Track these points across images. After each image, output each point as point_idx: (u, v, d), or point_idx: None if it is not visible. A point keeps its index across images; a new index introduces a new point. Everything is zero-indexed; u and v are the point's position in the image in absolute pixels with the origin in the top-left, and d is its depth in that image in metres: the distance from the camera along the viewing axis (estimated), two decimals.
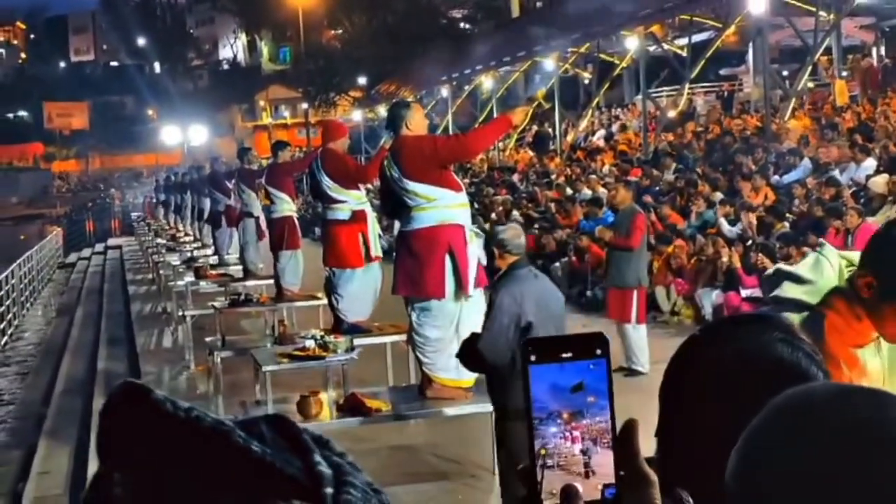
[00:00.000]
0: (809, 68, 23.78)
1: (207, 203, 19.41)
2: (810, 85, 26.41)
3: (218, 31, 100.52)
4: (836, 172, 15.96)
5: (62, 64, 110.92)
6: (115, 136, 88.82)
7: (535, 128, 34.17)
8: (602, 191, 18.81)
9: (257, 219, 15.20)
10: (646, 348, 11.10)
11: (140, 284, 22.91)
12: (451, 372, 7.49)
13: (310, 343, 8.85)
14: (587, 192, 19.68)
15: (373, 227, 10.38)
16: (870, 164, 15.77)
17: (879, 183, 14.35)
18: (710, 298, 13.55)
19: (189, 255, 19.69)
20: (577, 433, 0.98)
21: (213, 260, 18.40)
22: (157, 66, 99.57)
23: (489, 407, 6.38)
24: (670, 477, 1.16)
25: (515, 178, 26.45)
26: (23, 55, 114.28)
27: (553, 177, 24.19)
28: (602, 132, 31.54)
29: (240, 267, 16.04)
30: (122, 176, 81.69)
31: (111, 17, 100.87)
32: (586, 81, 35.63)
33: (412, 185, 7.69)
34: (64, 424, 12.04)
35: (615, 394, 0.99)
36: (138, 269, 26.23)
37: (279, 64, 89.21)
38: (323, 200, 10.57)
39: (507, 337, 5.92)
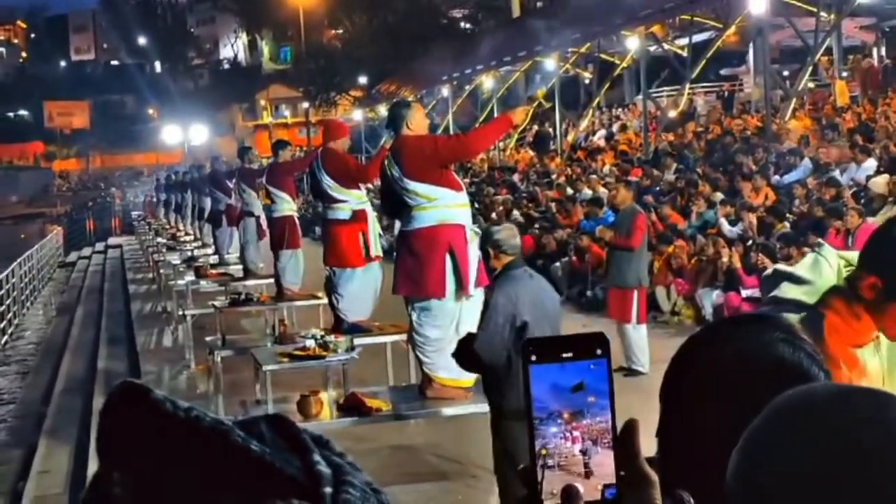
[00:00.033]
0: (810, 68, 23.79)
1: (208, 202, 19.41)
2: (811, 85, 26.42)
3: (219, 31, 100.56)
4: (836, 173, 15.97)
5: (63, 63, 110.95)
6: (115, 135, 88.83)
7: (535, 128, 34.17)
8: (602, 191, 18.81)
9: (258, 218, 15.20)
10: (646, 348, 11.10)
11: (140, 283, 22.92)
12: (452, 372, 7.48)
13: (310, 342, 8.85)
14: (588, 192, 19.68)
15: (373, 226, 10.37)
16: (870, 164, 15.77)
17: (880, 183, 14.35)
18: (710, 298, 13.55)
19: (189, 254, 19.70)
20: (577, 433, 0.97)
21: (214, 259, 18.41)
22: (157, 66, 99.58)
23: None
24: (671, 477, 1.16)
25: (516, 177, 26.45)
26: (23, 54, 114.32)
27: (553, 177, 24.20)
28: (602, 132, 31.55)
29: (240, 266, 16.04)
30: (122, 175, 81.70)
31: (112, 16, 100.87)
32: (587, 81, 35.64)
33: (413, 185, 7.69)
34: (64, 423, 12.04)
35: (615, 394, 0.99)
36: (139, 268, 26.24)
37: (280, 63, 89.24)
38: (323, 200, 10.56)
39: (503, 337, 5.92)
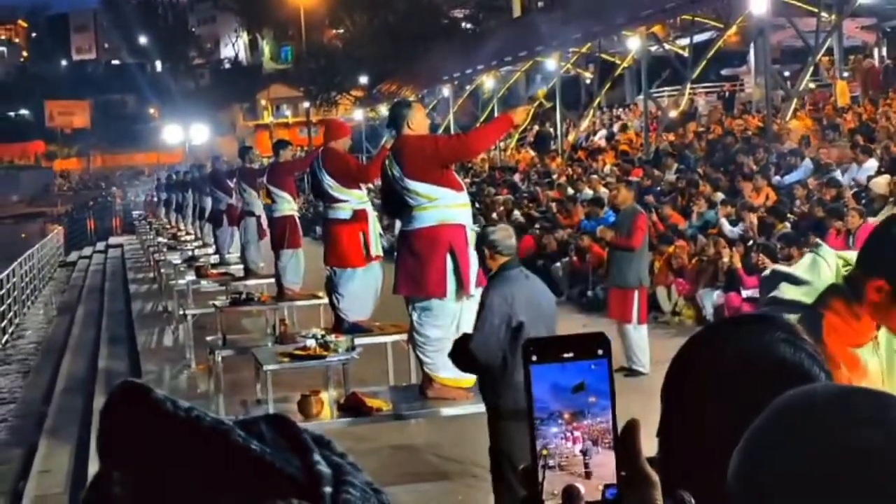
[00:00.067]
0: (811, 69, 23.80)
1: (209, 202, 19.42)
2: (812, 85, 26.42)
3: (219, 30, 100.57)
4: (837, 173, 15.98)
5: (64, 62, 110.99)
6: (116, 134, 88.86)
7: (536, 127, 34.19)
8: (603, 191, 18.81)
9: (258, 218, 15.20)
10: (647, 348, 11.09)
11: (141, 283, 22.92)
12: (452, 371, 7.48)
13: (311, 342, 8.85)
14: (588, 192, 19.69)
15: (374, 226, 10.37)
16: (871, 164, 15.78)
17: (881, 184, 14.35)
18: (711, 299, 13.56)
19: (190, 253, 19.70)
20: (578, 433, 0.97)
21: (215, 259, 18.42)
22: (158, 65, 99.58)
23: None
24: (672, 477, 1.16)
25: (517, 177, 26.46)
26: (24, 53, 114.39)
27: (554, 176, 24.20)
28: (603, 132, 31.54)
29: (241, 266, 16.04)
30: (123, 174, 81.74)
31: (113, 16, 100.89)
32: (588, 81, 35.63)
33: (413, 185, 7.69)
34: (65, 423, 12.04)
35: (616, 394, 0.99)
36: (139, 267, 26.24)
37: (281, 63, 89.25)
38: (324, 199, 10.56)
39: (499, 337, 5.93)
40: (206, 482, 0.79)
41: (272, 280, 13.74)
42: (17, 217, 68.58)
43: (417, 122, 7.95)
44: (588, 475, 0.97)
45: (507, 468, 5.93)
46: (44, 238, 35.70)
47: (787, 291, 2.69)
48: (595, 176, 21.45)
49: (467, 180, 23.82)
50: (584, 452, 0.97)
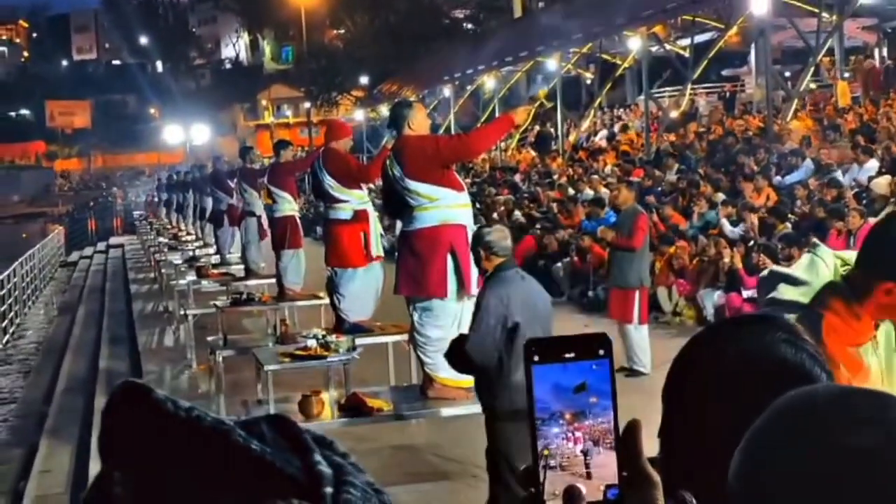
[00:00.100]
0: (812, 69, 23.80)
1: (209, 202, 19.42)
2: (812, 86, 26.42)
3: (220, 31, 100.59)
4: (838, 173, 15.97)
5: (64, 62, 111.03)
6: (117, 134, 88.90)
7: (537, 128, 34.18)
8: (604, 191, 18.81)
9: (259, 218, 15.20)
10: (647, 349, 11.09)
11: (142, 283, 22.92)
12: (453, 372, 7.48)
13: (311, 342, 8.85)
14: (589, 193, 19.69)
15: (374, 226, 10.37)
16: (872, 165, 15.78)
17: (882, 184, 14.35)
18: (711, 299, 13.55)
19: (191, 254, 19.70)
20: (579, 434, 0.97)
21: (215, 259, 18.42)
22: (159, 65, 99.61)
23: None
24: (673, 477, 1.16)
25: (517, 178, 26.46)
26: (25, 53, 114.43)
27: (555, 177, 24.21)
28: (604, 132, 31.55)
29: (241, 266, 16.05)
30: (124, 175, 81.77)
31: (113, 16, 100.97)
32: (588, 82, 35.63)
33: (414, 185, 7.70)
34: (65, 423, 12.04)
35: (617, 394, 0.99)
36: (140, 267, 26.24)
37: (281, 63, 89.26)
38: (325, 200, 10.57)
39: (494, 338, 5.94)
40: (207, 482, 0.79)
41: (273, 280, 13.74)
42: (18, 217, 68.60)
43: (418, 123, 7.95)
44: (589, 475, 0.97)
45: (504, 469, 5.94)
46: (44, 238, 35.70)
47: (785, 292, 2.69)
48: (596, 176, 21.45)
49: (468, 180, 23.81)
50: (585, 453, 0.97)
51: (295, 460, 0.81)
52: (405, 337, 8.86)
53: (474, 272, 7.55)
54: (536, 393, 0.98)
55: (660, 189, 18.87)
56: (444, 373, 7.61)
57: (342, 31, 74.57)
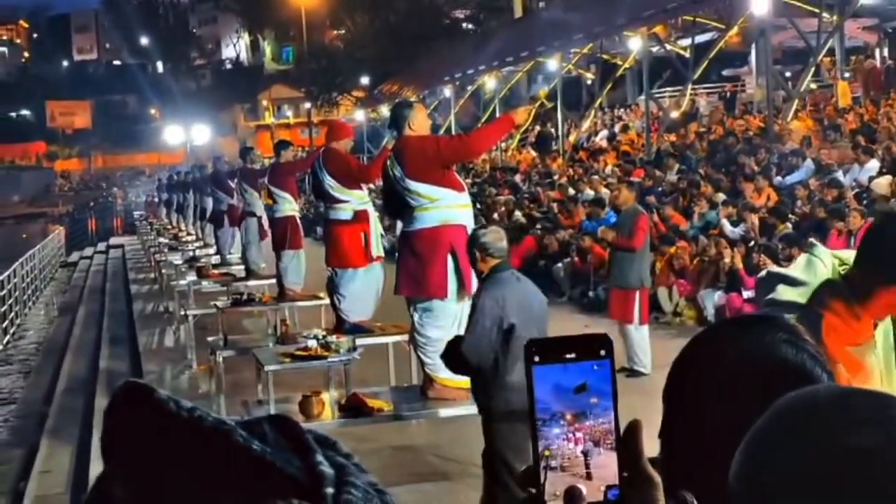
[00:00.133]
0: (812, 69, 23.79)
1: (210, 202, 19.43)
2: (813, 86, 26.42)
3: (221, 31, 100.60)
4: (838, 174, 15.97)
5: (65, 63, 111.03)
6: (117, 135, 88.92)
7: (537, 128, 34.18)
8: (605, 191, 18.81)
9: (259, 218, 15.20)
10: (648, 349, 11.09)
11: (142, 284, 22.92)
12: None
13: (312, 343, 8.85)
14: (590, 193, 19.69)
15: (375, 226, 10.37)
16: (873, 165, 15.77)
17: (882, 184, 14.35)
18: (712, 299, 13.55)
19: (191, 254, 19.70)
20: (580, 434, 0.97)
21: (216, 259, 18.42)
22: (159, 66, 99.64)
23: None
24: (674, 478, 1.16)
25: (518, 178, 26.45)
26: (26, 54, 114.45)
27: (555, 177, 24.21)
28: (605, 133, 31.54)
29: (242, 266, 16.05)
30: (124, 175, 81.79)
31: (114, 16, 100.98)
32: (589, 82, 35.62)
33: (415, 185, 7.70)
34: (66, 423, 12.04)
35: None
36: (140, 268, 26.24)
37: (282, 64, 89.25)
38: (325, 200, 10.57)
39: (490, 339, 5.95)
40: (207, 482, 0.79)
41: (273, 280, 13.74)
42: (19, 217, 68.61)
43: (419, 123, 7.96)
44: (590, 476, 0.97)
45: (501, 469, 5.94)
46: (45, 238, 35.70)
47: (784, 293, 2.69)
48: (596, 176, 21.45)
49: (468, 181, 23.82)
50: (585, 453, 0.97)
51: (296, 460, 0.81)
52: (405, 337, 8.86)
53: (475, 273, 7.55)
54: (537, 393, 0.98)
55: (660, 189, 18.87)
56: (445, 373, 7.60)
57: (343, 32, 74.57)
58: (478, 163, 30.61)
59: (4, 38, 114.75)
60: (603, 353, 0.99)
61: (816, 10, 23.31)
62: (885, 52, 28.54)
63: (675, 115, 27.50)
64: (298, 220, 13.57)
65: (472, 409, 7.32)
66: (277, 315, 12.71)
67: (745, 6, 22.03)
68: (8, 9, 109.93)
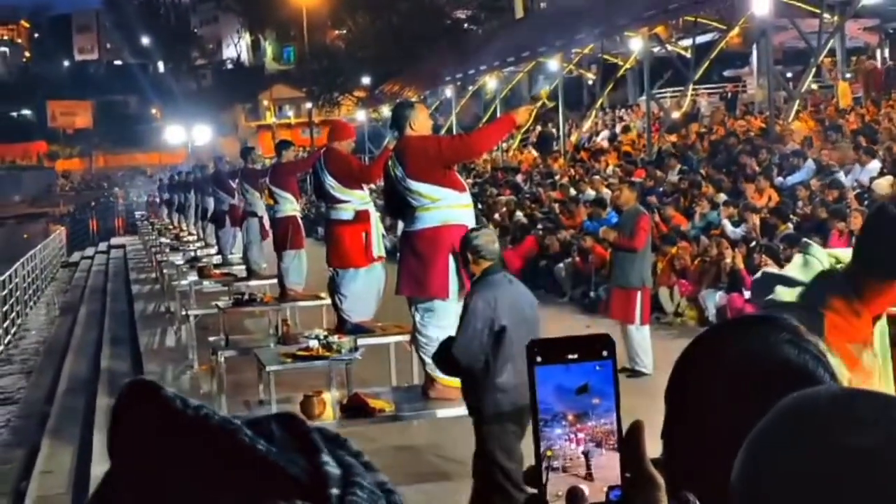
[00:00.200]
0: (813, 70, 23.77)
1: (211, 202, 19.43)
2: (814, 86, 26.40)
3: (222, 31, 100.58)
4: (839, 174, 15.96)
5: (66, 63, 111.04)
6: (118, 135, 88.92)
7: (538, 128, 34.18)
8: (606, 191, 18.81)
9: (261, 218, 15.20)
10: (649, 349, 11.09)
11: (143, 284, 22.92)
12: None
13: (313, 343, 8.86)
14: (591, 193, 19.68)
15: (376, 227, 10.38)
16: (874, 165, 15.77)
17: (883, 185, 14.34)
18: (713, 300, 13.55)
19: (193, 254, 19.71)
20: (582, 435, 0.98)
21: (217, 259, 18.43)
22: (160, 66, 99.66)
23: None
24: (676, 479, 1.16)
25: (519, 178, 26.45)
26: (27, 54, 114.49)
27: (557, 177, 24.20)
28: (606, 133, 31.53)
29: (243, 266, 16.05)
30: (125, 175, 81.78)
31: (115, 16, 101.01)
32: (590, 82, 35.61)
33: (416, 186, 7.70)
34: (67, 423, 12.05)
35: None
36: (142, 268, 26.25)
37: (283, 64, 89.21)
38: (326, 200, 10.57)
39: (481, 341, 5.97)
40: (209, 482, 0.79)
41: (275, 281, 13.75)
42: (20, 217, 68.58)
43: (420, 123, 7.96)
44: (592, 477, 0.97)
45: (494, 471, 5.97)
46: (46, 238, 35.70)
47: (782, 294, 2.69)
48: (597, 177, 21.44)
49: (469, 181, 23.80)
50: (587, 454, 0.97)
51: (301, 460, 0.81)
52: (407, 337, 8.87)
53: None
54: (539, 394, 0.99)
55: (661, 189, 18.86)
56: None
57: (344, 32, 74.51)
58: (479, 163, 30.61)
59: (5, 37, 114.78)
60: (605, 353, 0.99)
61: (817, 11, 23.30)
62: (886, 52, 28.55)
63: (676, 115, 27.51)
64: (300, 221, 13.57)
65: None
66: (279, 315, 12.72)
67: (746, 7, 22.04)
68: (9, 9, 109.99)
